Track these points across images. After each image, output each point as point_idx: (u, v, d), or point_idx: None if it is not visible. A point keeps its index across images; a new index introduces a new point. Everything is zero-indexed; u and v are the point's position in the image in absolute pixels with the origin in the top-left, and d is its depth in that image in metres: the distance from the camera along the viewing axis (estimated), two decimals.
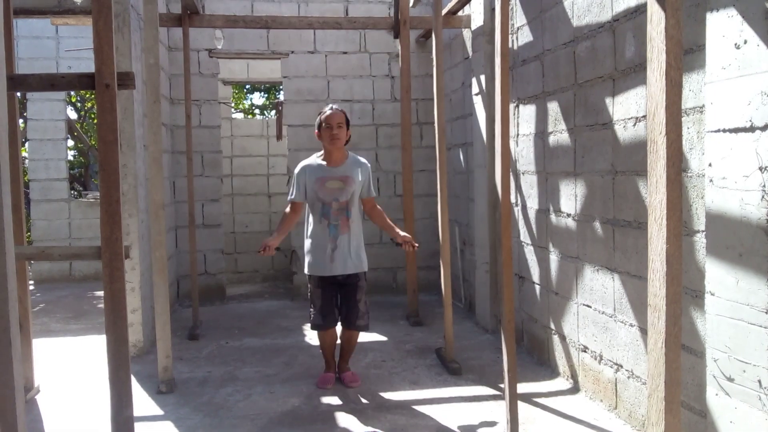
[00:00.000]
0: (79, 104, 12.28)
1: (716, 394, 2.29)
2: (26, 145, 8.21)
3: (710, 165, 2.30)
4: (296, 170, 3.84)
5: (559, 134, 3.85)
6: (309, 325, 3.84)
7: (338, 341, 3.96)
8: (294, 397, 3.69)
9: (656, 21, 2.02)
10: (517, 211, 4.56)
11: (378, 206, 3.97)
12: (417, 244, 3.85)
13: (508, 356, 3.00)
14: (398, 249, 4.10)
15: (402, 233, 3.82)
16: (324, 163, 3.77)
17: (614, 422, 3.22)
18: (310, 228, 3.78)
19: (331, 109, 3.73)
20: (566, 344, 3.84)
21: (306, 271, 3.80)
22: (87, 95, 11.72)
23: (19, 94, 5.15)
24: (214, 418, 3.39)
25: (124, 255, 2.66)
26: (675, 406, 2.03)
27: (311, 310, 3.78)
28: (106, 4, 2.56)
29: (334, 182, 3.71)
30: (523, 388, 3.56)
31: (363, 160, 3.89)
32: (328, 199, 3.70)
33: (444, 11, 5.18)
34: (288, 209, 3.85)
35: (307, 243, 3.79)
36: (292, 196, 3.81)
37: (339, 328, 3.89)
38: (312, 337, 4.88)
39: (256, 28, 5.80)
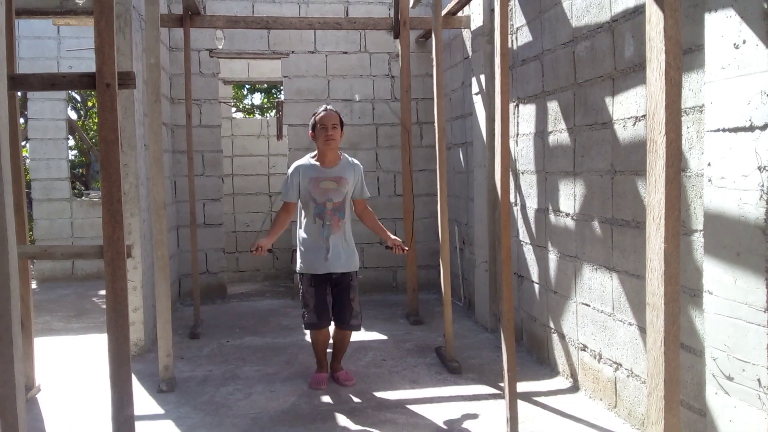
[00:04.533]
0: (79, 104, 12.28)
1: (716, 393, 2.29)
2: (27, 144, 8.21)
3: (709, 164, 2.30)
4: (290, 170, 3.86)
5: (559, 134, 3.86)
6: (303, 325, 3.86)
7: (331, 341, 3.96)
8: (294, 395, 3.70)
9: (655, 21, 2.02)
10: (517, 210, 4.57)
11: (369, 208, 4.01)
12: (407, 248, 3.89)
13: (508, 355, 3.01)
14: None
15: (393, 236, 3.86)
16: (318, 163, 3.79)
17: (614, 421, 3.23)
18: (304, 228, 3.79)
19: (325, 110, 3.75)
20: (565, 343, 3.85)
21: (299, 270, 3.81)
22: (88, 95, 11.73)
23: (19, 93, 5.16)
24: (214, 416, 3.39)
25: (126, 254, 2.67)
26: (674, 404, 2.03)
27: (304, 310, 3.78)
28: (108, 5, 2.57)
29: (328, 183, 3.74)
30: (522, 386, 3.56)
31: (356, 161, 3.92)
32: (322, 199, 3.72)
33: (444, 12, 5.19)
34: (280, 209, 3.88)
35: (300, 243, 3.81)
36: (286, 197, 3.82)
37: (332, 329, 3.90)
38: None
39: (257, 28, 5.81)
